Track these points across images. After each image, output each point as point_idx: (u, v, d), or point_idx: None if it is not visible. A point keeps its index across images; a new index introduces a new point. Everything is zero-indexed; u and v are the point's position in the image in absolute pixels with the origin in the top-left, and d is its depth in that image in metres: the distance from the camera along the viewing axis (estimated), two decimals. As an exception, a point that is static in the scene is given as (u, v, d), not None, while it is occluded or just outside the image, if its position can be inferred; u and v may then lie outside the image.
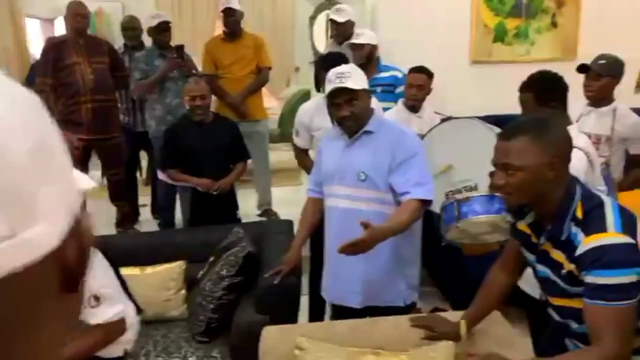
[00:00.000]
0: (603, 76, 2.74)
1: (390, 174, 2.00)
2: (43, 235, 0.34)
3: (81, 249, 0.37)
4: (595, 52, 2.85)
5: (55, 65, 3.55)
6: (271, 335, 1.82)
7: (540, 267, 1.47)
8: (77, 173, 0.41)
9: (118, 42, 4.43)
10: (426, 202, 2.01)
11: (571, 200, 1.36)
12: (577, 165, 1.96)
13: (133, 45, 4.15)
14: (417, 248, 2.18)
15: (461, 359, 1.31)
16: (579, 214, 1.34)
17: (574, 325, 1.44)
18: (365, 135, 2.05)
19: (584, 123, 2.78)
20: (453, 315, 1.82)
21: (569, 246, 1.34)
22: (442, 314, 1.96)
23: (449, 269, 3.08)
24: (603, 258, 1.26)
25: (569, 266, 1.35)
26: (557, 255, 1.39)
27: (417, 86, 2.93)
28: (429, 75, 2.98)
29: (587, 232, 1.30)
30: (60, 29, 6.37)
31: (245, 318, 2.22)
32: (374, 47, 3.42)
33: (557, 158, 1.35)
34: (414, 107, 2.97)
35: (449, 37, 3.85)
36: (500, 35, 3.94)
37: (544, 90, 2.02)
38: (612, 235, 1.28)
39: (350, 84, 1.96)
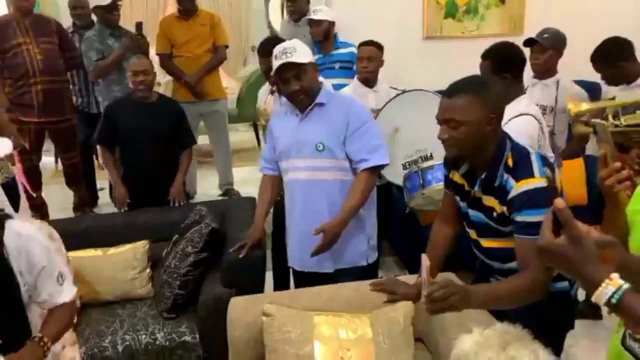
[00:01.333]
0: (547, 49, 2.89)
1: (345, 142, 2.11)
2: None
3: None
4: (540, 27, 2.99)
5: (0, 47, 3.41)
6: (238, 305, 1.88)
7: (473, 213, 1.63)
8: None
9: (65, 22, 4.28)
10: (381, 166, 2.16)
11: (503, 151, 1.52)
12: (531, 130, 2.10)
13: (82, 25, 4.02)
14: (374, 211, 2.29)
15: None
16: (510, 162, 1.51)
17: (497, 265, 1.66)
18: (317, 107, 2.13)
19: (530, 94, 2.92)
20: (410, 278, 1.92)
21: (501, 191, 1.51)
22: (399, 277, 2.07)
23: (408, 238, 3.20)
24: (531, 200, 1.43)
25: (500, 208, 1.52)
26: (489, 200, 1.56)
27: (367, 58, 2.98)
28: (379, 47, 3.02)
29: (517, 178, 1.47)
30: (2, 8, 6.08)
31: (211, 292, 2.26)
32: (331, 24, 3.46)
33: (494, 114, 1.49)
34: (368, 80, 3.02)
35: (402, 14, 3.93)
36: (451, 12, 4.04)
37: (501, 60, 2.12)
38: (538, 180, 1.45)
39: (296, 58, 2.02)
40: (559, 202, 0.83)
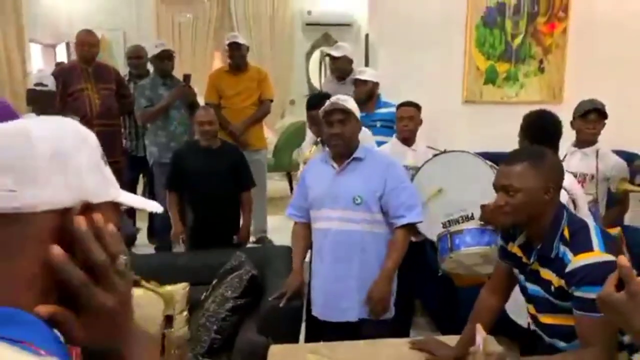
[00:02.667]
0: (603, 119, 2.93)
1: (382, 198, 2.20)
2: (38, 197, 0.57)
3: (72, 225, 0.58)
4: (579, 96, 3.06)
5: (63, 91, 3.66)
6: (277, 354, 1.90)
7: (531, 286, 1.60)
8: (139, 198, 0.76)
9: (122, 70, 4.57)
10: (415, 224, 2.27)
11: (559, 222, 1.51)
12: None
13: (138, 74, 4.29)
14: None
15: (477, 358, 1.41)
16: (566, 234, 1.50)
17: (561, 344, 1.56)
18: (355, 162, 2.24)
19: (569, 163, 2.96)
20: (449, 339, 1.92)
21: (558, 264, 1.49)
22: (438, 337, 2.05)
23: (442, 299, 3.17)
24: (591, 275, 1.39)
25: (558, 282, 1.48)
26: (546, 273, 1.53)
27: (407, 117, 3.10)
28: (417, 107, 3.14)
29: (575, 251, 1.45)
30: (61, 55, 6.51)
31: (247, 339, 2.28)
32: (375, 85, 3.62)
33: (551, 183, 1.51)
34: (407, 140, 3.12)
35: (443, 78, 4.06)
36: (491, 78, 4.17)
37: (538, 129, 2.20)
38: (598, 255, 1.41)
39: (346, 105, 2.19)
40: (621, 259, 0.88)
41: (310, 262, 2.45)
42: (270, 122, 6.76)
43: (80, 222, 0.58)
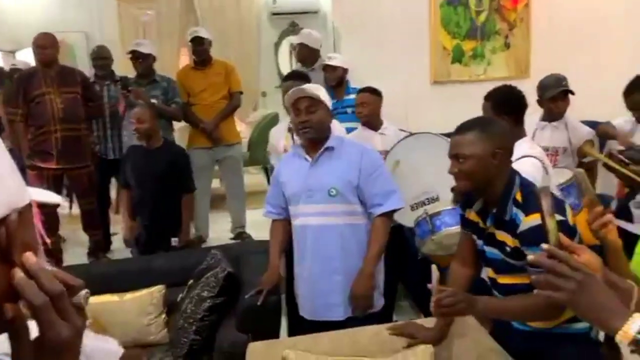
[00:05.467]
0: (568, 97, 2.95)
1: (359, 188, 2.13)
2: None
3: (8, 233, 0.57)
4: (546, 70, 3.07)
5: (25, 96, 3.56)
6: (257, 351, 1.87)
7: (488, 249, 1.67)
8: (42, 191, 0.71)
9: (87, 73, 4.44)
10: (394, 210, 2.19)
11: (512, 186, 1.59)
12: (534, 172, 2.13)
13: (104, 75, 4.17)
14: (382, 256, 2.28)
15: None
16: (519, 197, 1.58)
17: None
18: (328, 152, 2.16)
19: (540, 137, 2.97)
20: (428, 321, 1.91)
21: (511, 225, 1.56)
22: (417, 320, 2.05)
23: (422, 281, 3.17)
24: (540, 235, 1.40)
25: (513, 242, 1.57)
26: (501, 235, 1.61)
27: (360, 104, 3.11)
28: (372, 92, 3.13)
29: (527, 212, 1.53)
30: (22, 60, 6.32)
31: (227, 338, 2.24)
32: (345, 70, 3.59)
33: (499, 149, 1.58)
34: (369, 124, 3.12)
35: (411, 60, 4.04)
36: (457, 57, 4.16)
37: (500, 102, 2.20)
38: None
39: (315, 92, 2.12)
40: (545, 248, 0.93)
41: (291, 259, 2.39)
42: (243, 116, 6.69)
43: (16, 274, 0.56)
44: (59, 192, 3.79)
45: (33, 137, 3.61)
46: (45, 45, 3.65)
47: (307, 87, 2.17)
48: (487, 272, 1.75)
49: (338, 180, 2.12)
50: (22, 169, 3.55)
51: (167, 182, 3.08)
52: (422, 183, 2.69)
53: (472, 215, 1.73)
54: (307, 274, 2.23)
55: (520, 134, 2.25)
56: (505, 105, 2.23)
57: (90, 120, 3.94)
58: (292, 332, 2.79)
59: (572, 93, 2.94)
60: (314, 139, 2.16)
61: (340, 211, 2.14)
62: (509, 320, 1.71)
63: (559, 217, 1.44)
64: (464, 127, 1.63)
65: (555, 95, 2.92)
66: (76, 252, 4.04)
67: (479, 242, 1.71)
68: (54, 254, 3.64)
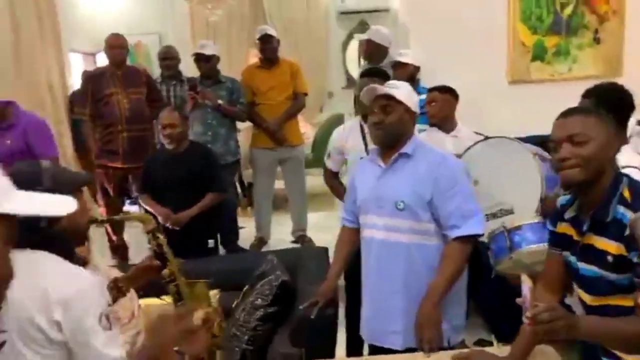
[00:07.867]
0: None
1: (432, 203, 1.87)
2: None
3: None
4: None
5: (93, 96, 3.66)
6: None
7: (584, 266, 1.44)
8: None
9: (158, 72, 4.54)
10: (476, 235, 1.89)
11: (619, 183, 1.39)
12: None
13: (170, 75, 4.23)
14: (462, 285, 2.00)
15: None
16: (627, 195, 1.36)
17: None
18: (402, 159, 1.93)
19: (635, 144, 2.63)
20: (498, 350, 1.70)
21: (615, 227, 1.35)
22: (487, 348, 1.85)
23: (496, 299, 2.91)
24: None
25: (617, 249, 1.34)
26: (602, 242, 1.38)
27: (429, 103, 2.92)
28: (442, 91, 2.94)
29: (637, 211, 1.30)
30: (101, 62, 6.62)
31: (280, 351, 2.14)
32: (416, 68, 3.41)
33: (615, 141, 1.40)
34: (438, 125, 2.92)
35: (486, 57, 3.77)
36: (538, 54, 3.83)
37: (605, 100, 1.91)
38: None
39: (395, 92, 1.90)
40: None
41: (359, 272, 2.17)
42: (309, 117, 6.62)
43: None
44: (124, 190, 3.87)
45: (101, 137, 3.71)
46: (118, 45, 3.75)
47: (392, 87, 1.93)
48: (579, 295, 1.50)
49: (407, 193, 1.88)
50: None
51: (197, 184, 3.04)
52: (495, 193, 2.43)
53: (563, 227, 1.51)
54: (369, 292, 2.03)
55: (623, 139, 1.96)
56: (611, 103, 1.89)
57: (152, 121, 3.99)
58: (350, 351, 2.63)
59: None
60: (386, 143, 1.95)
61: (407, 227, 1.89)
62: (614, 348, 1.39)
63: None
64: (577, 110, 1.44)
65: None
66: (140, 252, 4.11)
67: (572, 259, 1.48)
68: (119, 251, 3.73)
